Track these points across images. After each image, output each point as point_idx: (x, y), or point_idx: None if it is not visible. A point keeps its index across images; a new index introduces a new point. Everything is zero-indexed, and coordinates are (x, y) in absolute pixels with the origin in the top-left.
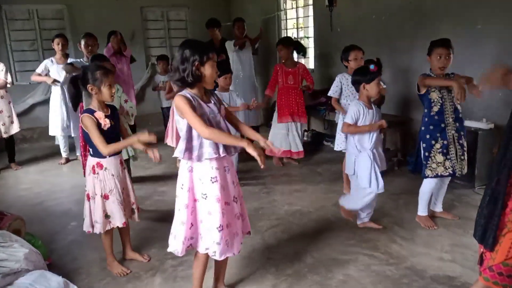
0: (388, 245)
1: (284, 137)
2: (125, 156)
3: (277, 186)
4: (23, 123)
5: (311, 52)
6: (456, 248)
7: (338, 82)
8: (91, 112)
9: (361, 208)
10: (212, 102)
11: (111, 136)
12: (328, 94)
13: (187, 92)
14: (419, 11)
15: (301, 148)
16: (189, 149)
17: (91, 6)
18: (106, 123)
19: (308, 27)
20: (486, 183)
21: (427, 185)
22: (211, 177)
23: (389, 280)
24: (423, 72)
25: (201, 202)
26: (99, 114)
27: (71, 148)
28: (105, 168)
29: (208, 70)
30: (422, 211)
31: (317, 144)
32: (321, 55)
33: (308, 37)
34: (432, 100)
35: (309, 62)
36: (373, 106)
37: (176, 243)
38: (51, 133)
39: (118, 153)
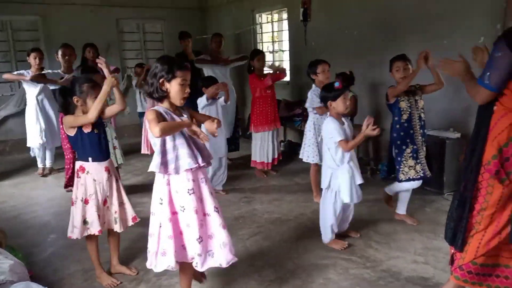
0: (364, 249)
1: (261, 148)
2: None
3: (256, 195)
4: None
5: (286, 65)
6: (428, 251)
7: (312, 94)
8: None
9: (332, 225)
10: (185, 116)
11: (94, 141)
12: (308, 106)
13: (159, 106)
14: (389, 27)
15: (276, 155)
16: (164, 163)
17: (66, 18)
18: (87, 127)
19: (283, 40)
20: (454, 189)
21: (405, 187)
22: (188, 189)
23: (366, 282)
24: (391, 85)
25: (180, 214)
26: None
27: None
28: (87, 172)
29: (174, 87)
30: (401, 210)
31: (293, 154)
32: (296, 68)
33: (283, 51)
34: (401, 109)
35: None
36: (345, 120)
37: (168, 259)
38: (28, 144)
39: (103, 160)
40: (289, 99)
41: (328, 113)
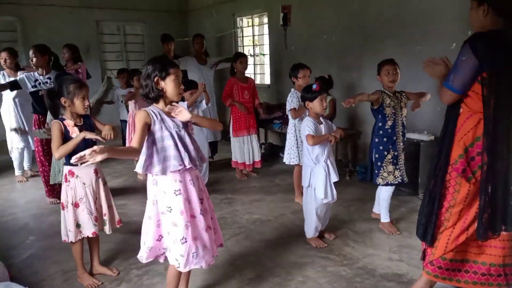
0: (341, 248)
1: (240, 150)
2: None
3: (237, 196)
4: None
5: (266, 69)
6: (402, 248)
7: (294, 95)
8: (62, 120)
9: (316, 220)
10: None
11: (81, 146)
12: (290, 108)
13: (152, 107)
14: (364, 32)
15: (258, 158)
16: (151, 163)
17: (44, 19)
18: (74, 131)
19: (263, 44)
20: None
21: (385, 193)
22: (175, 190)
23: (343, 279)
24: (377, 89)
25: (166, 214)
26: (68, 122)
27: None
28: (77, 176)
29: (169, 84)
30: (384, 218)
31: (273, 156)
32: (276, 72)
33: (263, 54)
34: (386, 115)
35: (265, 78)
36: (323, 120)
37: (142, 250)
38: (9, 146)
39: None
40: (269, 102)
41: (305, 116)
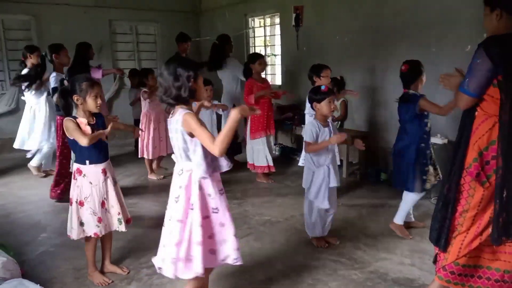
0: (352, 251)
1: (263, 153)
2: None
3: (247, 198)
4: None
5: (278, 69)
6: (414, 253)
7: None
8: (75, 118)
9: (314, 223)
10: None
11: (91, 144)
12: (307, 112)
13: (187, 108)
14: (378, 33)
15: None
16: (208, 165)
17: (59, 18)
18: (86, 130)
19: (275, 45)
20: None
21: (415, 197)
22: (219, 190)
23: (354, 283)
24: (419, 93)
25: (213, 216)
26: (81, 120)
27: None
28: (84, 175)
29: (199, 85)
30: (399, 219)
31: (285, 157)
32: (288, 72)
33: (275, 55)
34: (426, 121)
35: (276, 78)
36: (329, 123)
37: (196, 266)
38: (26, 147)
39: (100, 162)
40: (280, 102)
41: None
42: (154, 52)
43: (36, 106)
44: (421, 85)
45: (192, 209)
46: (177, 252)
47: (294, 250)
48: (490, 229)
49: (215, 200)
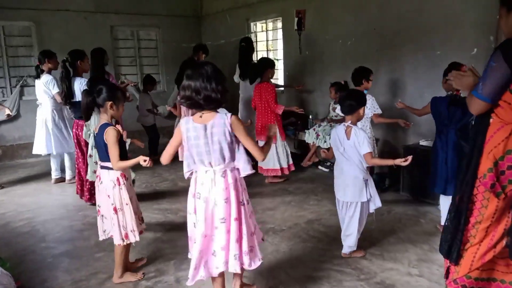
0: (358, 261)
1: (272, 155)
2: None
3: None
4: None
5: (280, 74)
6: (422, 262)
7: (371, 99)
8: (111, 125)
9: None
10: None
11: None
12: (376, 112)
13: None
14: (382, 37)
15: (285, 164)
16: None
17: (59, 24)
18: (124, 134)
19: (277, 49)
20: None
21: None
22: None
23: None
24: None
25: (245, 206)
26: (119, 127)
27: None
28: (127, 178)
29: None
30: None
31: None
32: (290, 77)
33: (277, 59)
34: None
35: (278, 83)
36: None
37: (258, 253)
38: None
39: None
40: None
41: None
42: (155, 57)
43: (52, 114)
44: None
45: (243, 204)
46: (239, 248)
47: (298, 260)
48: (504, 241)
49: (246, 193)
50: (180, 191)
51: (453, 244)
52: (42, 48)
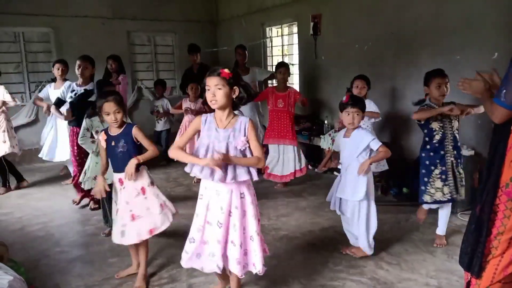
0: (374, 270)
1: (275, 161)
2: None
3: (263, 211)
4: None
5: (295, 79)
6: (441, 273)
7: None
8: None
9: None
10: None
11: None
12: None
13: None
14: (399, 41)
15: (298, 168)
16: None
17: (77, 30)
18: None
19: (292, 54)
20: (468, 208)
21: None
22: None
23: None
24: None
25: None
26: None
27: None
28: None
29: None
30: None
31: None
32: (306, 82)
33: (293, 64)
34: (433, 129)
35: (294, 88)
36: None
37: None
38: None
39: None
40: (298, 112)
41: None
42: (172, 63)
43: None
44: None
45: (256, 204)
46: (261, 244)
47: (313, 268)
48: None
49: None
50: (194, 197)
51: (473, 257)
52: (61, 53)
